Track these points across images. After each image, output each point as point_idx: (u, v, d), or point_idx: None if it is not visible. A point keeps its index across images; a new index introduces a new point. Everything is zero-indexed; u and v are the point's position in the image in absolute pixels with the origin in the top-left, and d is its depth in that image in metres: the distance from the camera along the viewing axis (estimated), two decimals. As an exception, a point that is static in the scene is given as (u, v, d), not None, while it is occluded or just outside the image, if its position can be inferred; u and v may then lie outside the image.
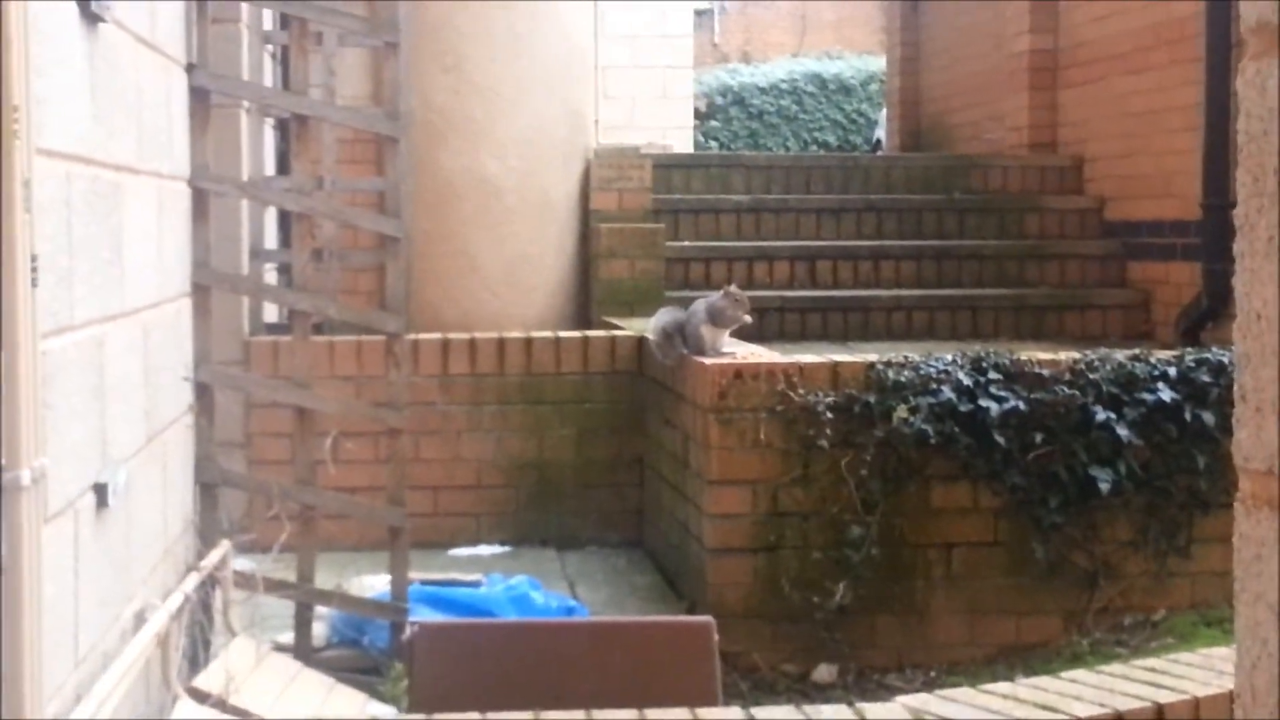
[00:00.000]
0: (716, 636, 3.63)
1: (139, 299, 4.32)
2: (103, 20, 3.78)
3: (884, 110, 16.13)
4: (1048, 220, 9.48)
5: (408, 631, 3.58)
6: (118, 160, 4.06)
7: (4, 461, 2.76)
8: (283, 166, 8.11)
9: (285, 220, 7.88)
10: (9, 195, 2.77)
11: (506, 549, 7.00)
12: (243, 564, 5.35)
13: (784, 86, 21.27)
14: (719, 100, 21.03)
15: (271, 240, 7.62)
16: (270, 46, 7.82)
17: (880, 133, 16.28)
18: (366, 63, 8.96)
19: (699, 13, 22.05)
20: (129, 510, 4.07)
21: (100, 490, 3.68)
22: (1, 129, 2.75)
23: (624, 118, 16.16)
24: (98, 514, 3.68)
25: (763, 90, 21.19)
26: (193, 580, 4.64)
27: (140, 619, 4.10)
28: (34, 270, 2.86)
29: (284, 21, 7.38)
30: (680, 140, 15.59)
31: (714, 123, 20.64)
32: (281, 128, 8.29)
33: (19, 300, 2.77)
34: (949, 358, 5.95)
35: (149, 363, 4.44)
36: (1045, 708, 3.96)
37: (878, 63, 19.35)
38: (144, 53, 4.47)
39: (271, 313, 7.43)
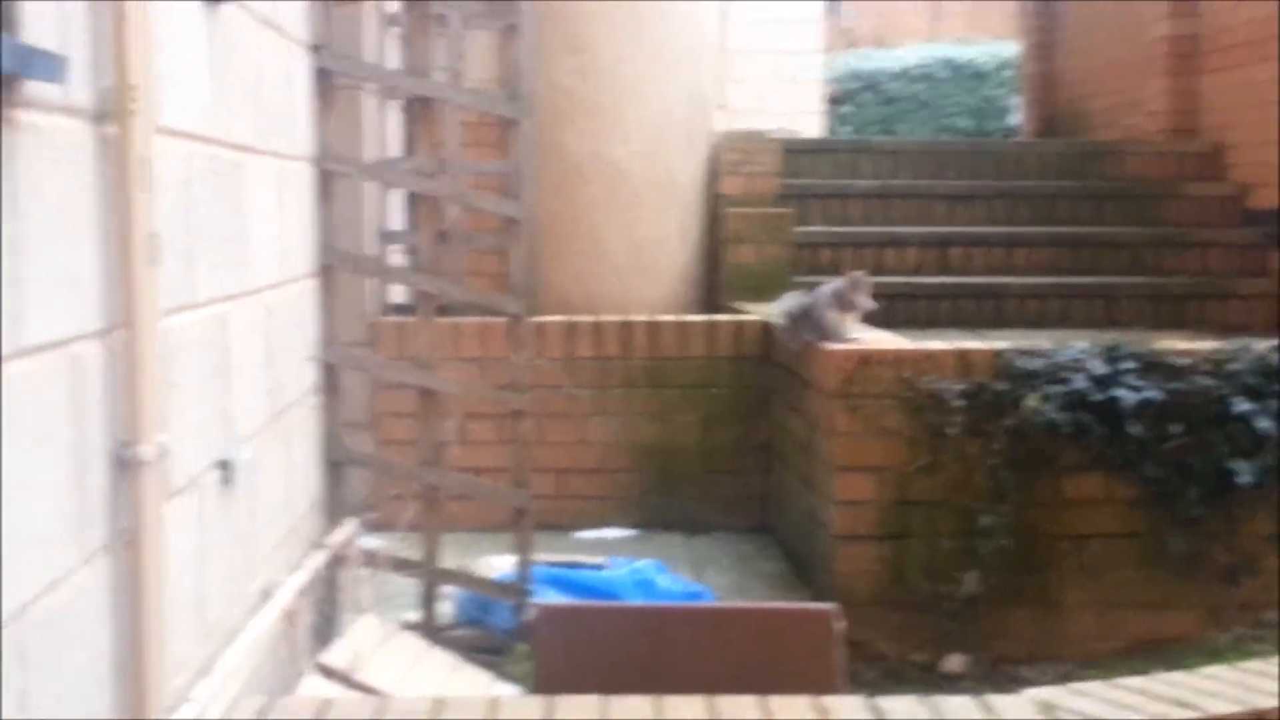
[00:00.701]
0: (841, 623, 3.56)
1: (261, 278, 4.34)
2: (223, 0, 3.79)
3: (1018, 96, 15.85)
4: (1187, 207, 9.24)
5: (531, 613, 3.56)
6: (238, 140, 4.07)
7: (127, 438, 2.76)
8: (408, 149, 8.12)
9: (411, 203, 7.91)
10: (128, 173, 2.77)
11: (632, 533, 6.98)
12: (371, 543, 5.38)
13: (917, 72, 20.98)
14: (850, 86, 20.80)
15: (397, 223, 7.64)
16: (396, 29, 7.83)
17: (1015, 119, 15.99)
18: (494, 46, 8.94)
19: (831, -3, 21.85)
20: (254, 487, 4.09)
21: (224, 467, 3.70)
22: (120, 108, 2.75)
23: (753, 102, 16.01)
24: (222, 490, 3.70)
25: (895, 76, 20.93)
26: (319, 557, 4.67)
27: (266, 595, 4.12)
28: (154, 249, 2.87)
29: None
30: (809, 125, 15.45)
31: (845, 108, 20.43)
32: (408, 111, 8.32)
33: (139, 278, 2.78)
34: (1082, 346, 5.82)
35: (272, 342, 4.46)
36: (1181, 703, 3.83)
37: (1012, 48, 19.00)
38: (266, 33, 4.48)
39: (397, 294, 7.46)
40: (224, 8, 3.83)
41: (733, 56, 15.88)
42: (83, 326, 2.63)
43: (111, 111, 2.75)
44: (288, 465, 4.68)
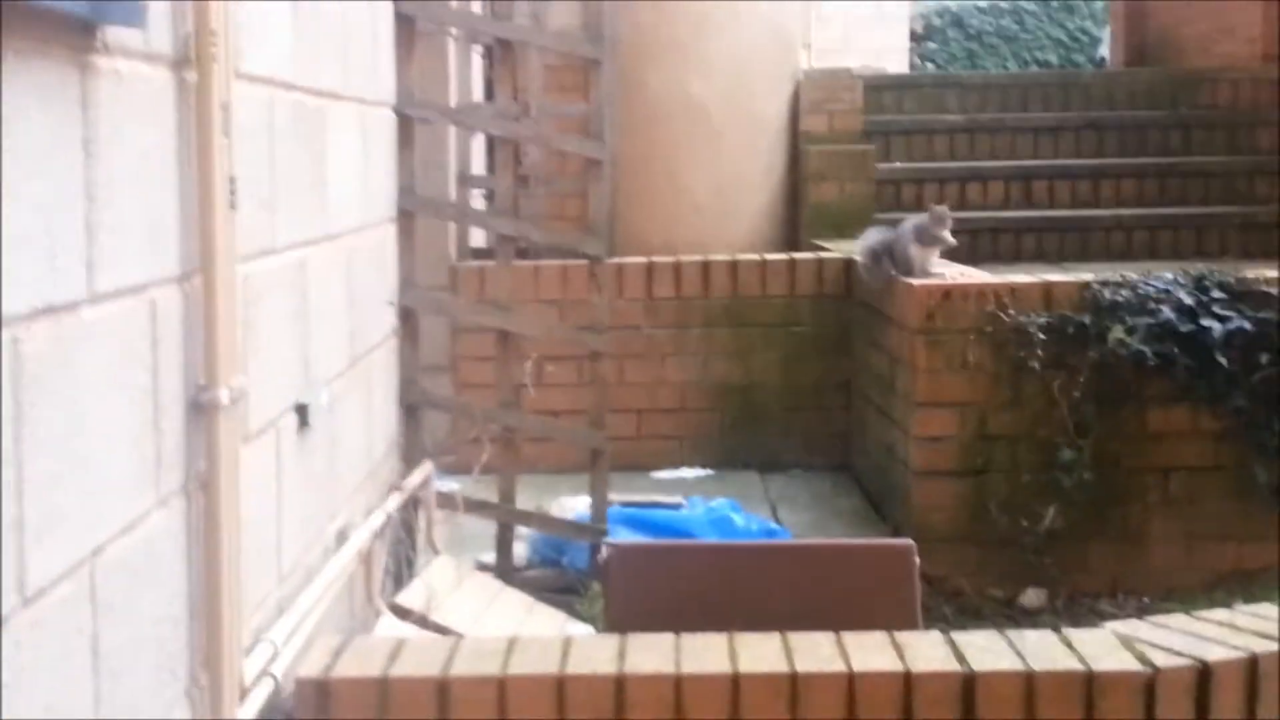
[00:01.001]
0: (917, 559, 3.55)
1: (342, 224, 4.37)
2: (303, -54, 3.81)
3: (1108, 27, 15.57)
4: (1281, 134, 9.05)
5: (603, 552, 3.58)
6: (321, 86, 4.10)
7: (203, 381, 2.81)
8: (491, 93, 8.14)
9: (494, 147, 7.94)
10: (207, 119, 2.80)
11: (710, 472, 6.98)
12: (446, 485, 5.43)
13: (1004, 5, 20.67)
14: (936, 21, 20.53)
15: (479, 167, 7.67)
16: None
17: (1105, 50, 15.71)
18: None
19: (916, -69, 21.57)
20: (332, 431, 4.14)
21: (302, 410, 3.75)
22: (201, 53, 2.78)
23: (838, 40, 15.92)
24: (300, 434, 3.75)
25: (981, 10, 20.63)
26: (395, 500, 4.72)
27: (343, 537, 4.18)
28: (232, 193, 2.91)
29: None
30: (895, 63, 15.32)
31: (931, 45, 20.18)
32: (489, 55, 8.33)
33: (218, 222, 2.81)
34: (1169, 276, 5.74)
35: (352, 287, 4.50)
36: (1265, 636, 3.79)
37: (1102, -23, 18.68)
38: (346, -19, 4.51)
39: (479, 238, 7.50)
40: (302, -45, 3.86)
41: (818, -7, 15.75)
42: (161, 271, 2.67)
43: (191, 57, 2.78)
44: (367, 409, 4.73)
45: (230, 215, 2.91)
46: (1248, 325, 5.55)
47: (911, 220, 6.19)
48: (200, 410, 2.81)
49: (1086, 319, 5.61)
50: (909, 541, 3.65)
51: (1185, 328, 5.56)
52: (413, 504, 5.07)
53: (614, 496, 5.60)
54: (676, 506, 5.79)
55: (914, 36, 18.41)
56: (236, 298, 3.00)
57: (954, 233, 6.13)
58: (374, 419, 4.86)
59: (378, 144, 5.01)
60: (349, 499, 4.40)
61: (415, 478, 5.03)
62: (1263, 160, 8.89)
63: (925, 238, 6.04)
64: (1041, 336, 5.58)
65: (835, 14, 16.19)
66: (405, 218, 5.35)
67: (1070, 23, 20.47)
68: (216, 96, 2.82)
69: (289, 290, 3.71)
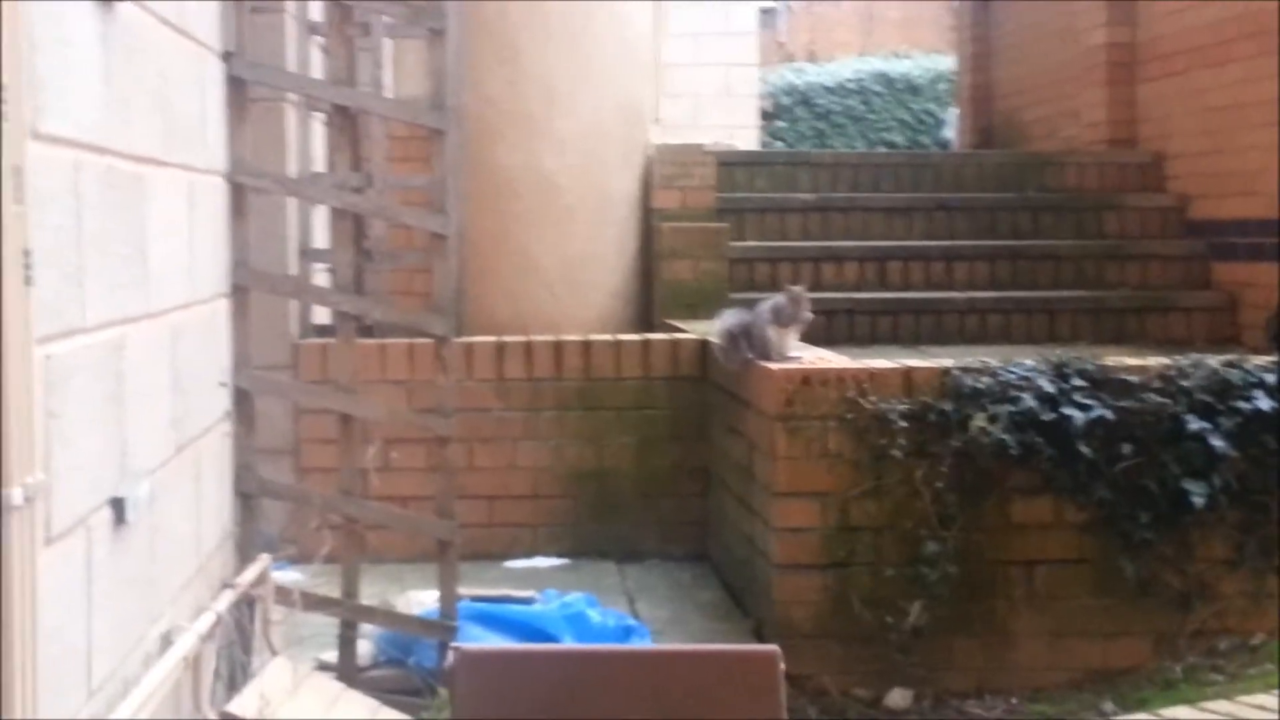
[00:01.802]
0: (783, 665, 3.32)
1: (166, 299, 4.05)
2: (120, -1, 3.51)
3: (952, 109, 15.75)
4: (1128, 219, 9.12)
5: (449, 657, 3.30)
6: (139, 150, 3.79)
7: (-3, 478, 2.48)
8: (331, 164, 7.86)
9: (333, 219, 7.64)
10: (-1, 184, 2.49)
11: (564, 561, 6.72)
12: (290, 577, 5.09)
13: (851, 86, 20.90)
14: (784, 100, 20.69)
15: (323, 240, 7.36)
16: (320, 39, 7.57)
17: (949, 132, 15.88)
18: (427, 61, 8.70)
19: (764, 11, 21.73)
20: (154, 525, 3.80)
21: (118, 505, 3.41)
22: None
23: (687, 116, 15.84)
24: (115, 531, 3.41)
25: (829, 90, 20.83)
26: (227, 597, 4.37)
27: (168, 641, 3.83)
28: (27, 267, 2.59)
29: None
30: (745, 140, 15.26)
31: (780, 123, 20.29)
32: (330, 123, 8.05)
33: (8, 299, 2.50)
34: (1029, 363, 5.63)
35: (178, 367, 4.17)
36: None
37: (946, 62, 18.97)
38: (170, 37, 4.20)
39: (324, 314, 7.17)
40: (120, 7, 3.55)
41: (666, 70, 15.71)
42: (-58, 356, 2.36)
43: (-23, 116, 2.47)
44: (196, 499, 4.39)
45: (25, 291, 2.59)
46: (1109, 414, 5.45)
47: (769, 302, 6.02)
48: (-7, 513, 2.48)
49: (948, 406, 5.47)
50: (774, 648, 3.42)
51: (1047, 416, 5.44)
52: (248, 601, 4.72)
53: (464, 590, 5.30)
54: (530, 601, 5.50)
55: (764, 115, 18.46)
56: (34, 382, 2.67)
57: (811, 313, 5.96)
58: (204, 510, 4.51)
59: (207, 214, 4.69)
60: (175, 599, 4.05)
61: (250, 573, 4.68)
62: (1111, 244, 8.93)
63: (783, 319, 5.87)
64: (903, 424, 5.42)
65: (684, 90, 16.15)
66: (239, 293, 5.03)
67: (915, 104, 20.75)
68: (8, 159, 2.51)
69: (102, 372, 3.38)
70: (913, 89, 20.82)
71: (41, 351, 2.77)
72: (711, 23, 16.61)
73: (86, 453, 3.20)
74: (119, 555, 3.47)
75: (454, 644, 4.53)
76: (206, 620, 4.08)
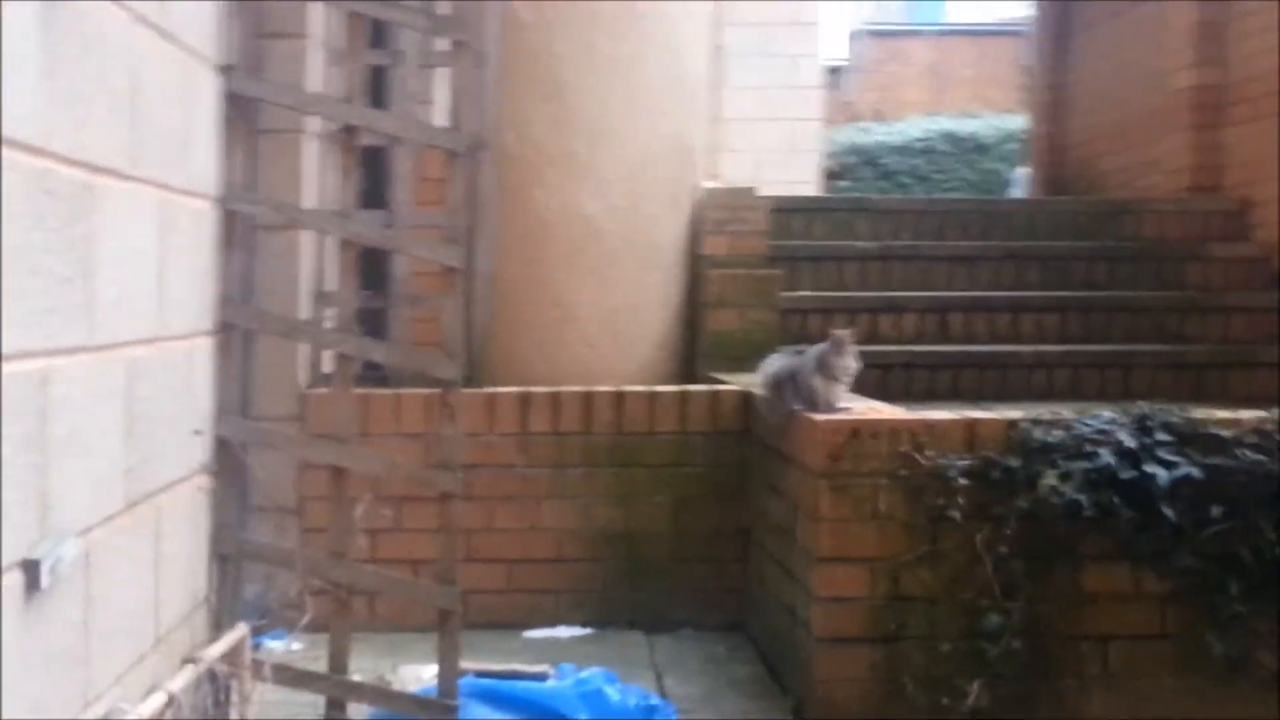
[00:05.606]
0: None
1: (119, 332, 3.58)
2: (69, -16, 3.06)
3: (1019, 169, 15.19)
4: (1211, 270, 8.53)
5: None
6: (89, 157, 3.34)
7: None
8: (367, 200, 7.40)
9: (368, 258, 7.18)
10: None
11: (588, 631, 6.17)
12: (265, 651, 4.58)
13: (917, 145, 20.52)
14: (848, 160, 20.28)
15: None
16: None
17: (1017, 192, 15.30)
18: (451, 78, 8.27)
19: (832, 70, 21.37)
20: (89, 593, 3.31)
21: (30, 569, 2.92)
22: None
23: (749, 172, 15.35)
24: (27, 599, 2.92)
25: (895, 149, 20.46)
26: (184, 676, 3.85)
27: (106, 727, 3.33)
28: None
29: (375, 40, 6.71)
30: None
31: (843, 182, 19.84)
32: (366, 161, 7.60)
33: None
34: (1107, 415, 5.09)
35: (133, 410, 3.69)
36: None
37: (1015, 121, 18.49)
38: (147, 37, 3.77)
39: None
40: (71, -9, 3.11)
41: (729, 124, 15.31)
42: None
43: None
44: (154, 562, 3.89)
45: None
46: (1197, 473, 4.89)
47: (815, 349, 5.49)
48: None
49: (1014, 462, 4.93)
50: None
51: (1126, 474, 4.89)
52: (224, 676, 4.21)
53: (470, 663, 4.78)
54: (542, 677, 4.96)
55: (828, 174, 18.01)
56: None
57: (864, 367, 5.43)
58: (167, 574, 4.02)
59: (187, 241, 4.23)
60: (121, 678, 3.56)
61: (219, 646, 4.17)
62: (1192, 296, 8.36)
63: (825, 367, 5.33)
64: (963, 482, 4.89)
65: (746, 145, 15.73)
66: (227, 332, 4.57)
67: (982, 164, 20.29)
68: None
69: (16, 412, 2.90)
70: (980, 148, 20.40)
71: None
72: (776, 76, 16.21)
73: (-13, 505, 2.71)
74: (33, 626, 2.98)
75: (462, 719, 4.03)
76: (155, 702, 3.57)
